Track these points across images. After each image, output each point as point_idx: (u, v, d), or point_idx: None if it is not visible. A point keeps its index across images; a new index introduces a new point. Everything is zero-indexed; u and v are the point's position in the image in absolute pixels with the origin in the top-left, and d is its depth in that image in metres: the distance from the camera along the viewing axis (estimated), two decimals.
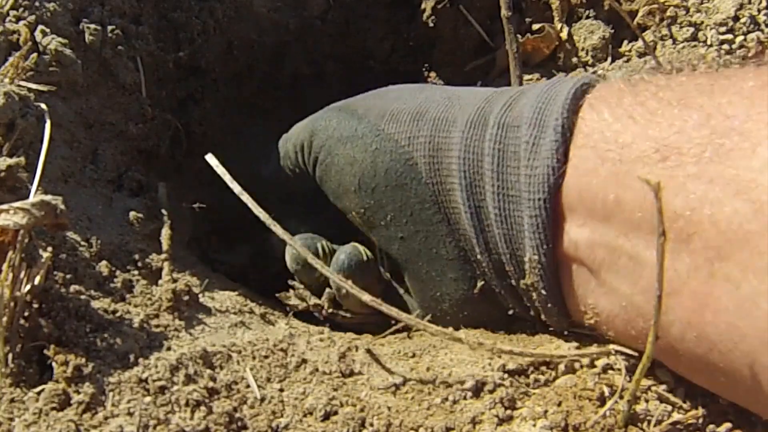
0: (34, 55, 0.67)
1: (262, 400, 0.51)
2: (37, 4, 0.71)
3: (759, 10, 0.81)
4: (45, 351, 0.49)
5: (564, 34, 0.88)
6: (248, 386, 0.52)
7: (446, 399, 0.53)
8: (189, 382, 0.51)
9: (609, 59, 0.86)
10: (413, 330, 0.65)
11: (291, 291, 0.74)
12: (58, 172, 0.65)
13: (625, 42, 0.87)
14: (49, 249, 0.55)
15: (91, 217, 0.64)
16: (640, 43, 0.84)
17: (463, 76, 0.95)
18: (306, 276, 0.73)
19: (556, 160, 0.52)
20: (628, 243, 0.49)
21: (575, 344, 0.57)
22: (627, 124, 0.50)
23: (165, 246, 0.65)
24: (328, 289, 0.72)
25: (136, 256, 0.63)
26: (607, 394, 0.53)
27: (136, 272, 0.61)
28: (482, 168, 0.57)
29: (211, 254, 0.86)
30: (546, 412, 0.51)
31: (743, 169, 0.43)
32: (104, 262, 0.59)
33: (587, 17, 0.89)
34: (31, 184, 0.58)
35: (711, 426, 0.51)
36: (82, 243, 0.60)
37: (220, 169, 0.64)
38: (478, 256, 0.59)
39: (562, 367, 0.55)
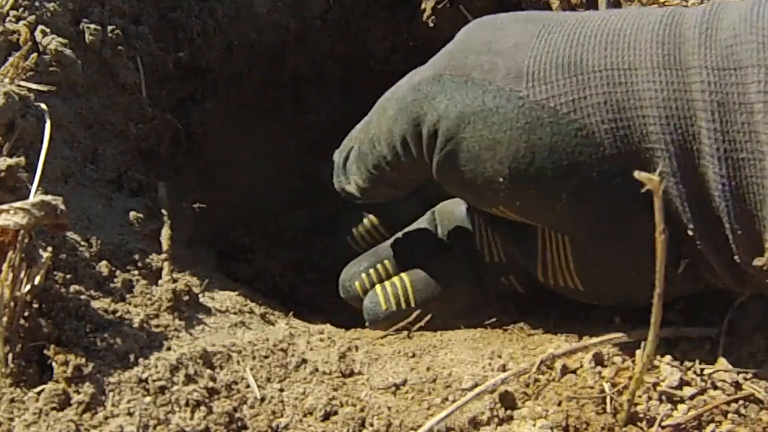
0: (34, 55, 0.67)
1: (262, 400, 0.51)
2: (37, 4, 0.71)
3: None
4: (45, 351, 0.49)
5: None
6: (248, 386, 0.52)
7: (446, 399, 0.53)
8: (189, 382, 0.51)
9: None
10: (413, 330, 0.65)
11: None
12: (58, 172, 0.65)
13: None
14: (49, 249, 0.55)
15: (91, 217, 0.64)
16: None
17: None
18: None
19: None
20: None
21: (576, 344, 0.57)
22: None
23: (165, 246, 0.65)
24: None
25: (136, 256, 0.63)
26: (607, 393, 0.52)
27: (136, 272, 0.61)
28: (694, 126, 0.47)
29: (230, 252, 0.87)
30: (546, 412, 0.51)
31: None
32: (104, 262, 0.59)
33: None
34: (31, 184, 0.58)
35: (711, 426, 0.51)
36: (82, 243, 0.60)
37: None
38: (690, 232, 0.50)
39: (561, 367, 0.55)
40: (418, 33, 0.96)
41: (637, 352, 0.54)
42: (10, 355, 0.48)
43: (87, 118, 0.72)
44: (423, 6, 0.95)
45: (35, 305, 0.51)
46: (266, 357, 0.55)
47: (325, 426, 0.50)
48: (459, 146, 0.54)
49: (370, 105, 0.64)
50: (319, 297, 0.89)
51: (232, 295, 0.67)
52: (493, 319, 0.64)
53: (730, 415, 0.52)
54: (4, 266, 0.49)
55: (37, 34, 0.69)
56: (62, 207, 0.51)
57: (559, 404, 0.52)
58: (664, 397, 0.53)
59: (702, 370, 0.55)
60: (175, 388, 0.50)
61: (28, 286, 0.51)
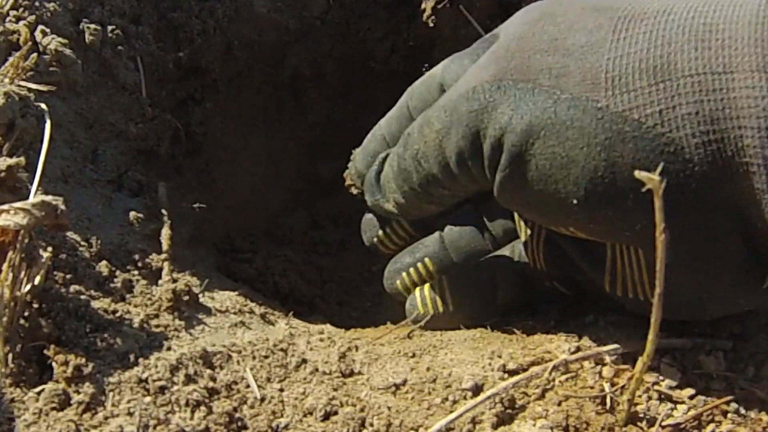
0: (34, 55, 0.67)
1: (262, 400, 0.51)
2: (37, 4, 0.71)
3: None
4: (45, 351, 0.49)
5: None
6: (248, 386, 0.52)
7: (446, 399, 0.53)
8: (189, 382, 0.51)
9: None
10: (413, 330, 0.65)
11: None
12: (58, 172, 0.65)
13: None
14: (49, 249, 0.55)
15: (91, 217, 0.64)
16: None
17: None
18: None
19: None
20: None
21: (576, 344, 0.57)
22: None
23: (165, 246, 0.65)
24: None
25: (136, 256, 0.63)
26: (607, 393, 0.52)
27: (136, 272, 0.61)
28: None
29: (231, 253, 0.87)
30: (546, 412, 0.51)
31: None
32: (104, 262, 0.59)
33: None
34: (31, 184, 0.58)
35: (711, 426, 0.51)
36: (82, 243, 0.60)
37: None
38: None
39: (562, 366, 0.55)
40: (418, 33, 0.96)
41: (637, 352, 0.54)
42: (10, 355, 0.48)
43: (87, 118, 0.72)
44: (423, 6, 0.95)
45: (35, 305, 0.51)
46: (266, 357, 0.55)
47: (325, 426, 0.50)
48: (527, 164, 0.48)
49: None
50: (319, 297, 0.89)
51: (232, 295, 0.67)
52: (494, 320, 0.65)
53: (730, 415, 0.52)
54: (4, 266, 0.49)
55: (37, 34, 0.69)
56: (62, 207, 0.51)
57: (559, 404, 0.52)
58: (664, 397, 0.53)
59: (702, 370, 0.55)
60: (175, 388, 0.50)
61: (28, 286, 0.51)
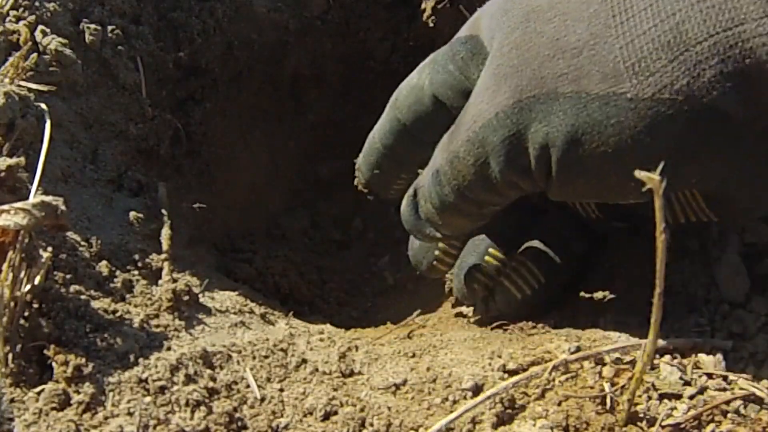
0: (34, 55, 0.67)
1: (262, 400, 0.51)
2: (37, 4, 0.71)
3: None
4: (45, 351, 0.49)
5: None
6: (248, 386, 0.52)
7: (446, 399, 0.53)
8: (189, 382, 0.51)
9: None
10: (413, 330, 0.65)
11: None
12: (58, 172, 0.65)
13: None
14: (49, 249, 0.55)
15: (91, 217, 0.64)
16: None
17: None
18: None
19: None
20: None
21: (576, 344, 0.57)
22: None
23: (165, 246, 0.65)
24: None
25: (136, 256, 0.63)
26: (607, 393, 0.52)
27: (136, 272, 0.61)
28: None
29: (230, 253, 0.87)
30: (546, 412, 0.51)
31: None
32: (104, 262, 0.59)
33: None
34: (31, 184, 0.58)
35: (711, 426, 0.51)
36: (82, 243, 0.60)
37: None
38: None
39: (562, 366, 0.55)
40: (418, 33, 0.96)
41: (637, 352, 0.54)
42: (10, 355, 0.48)
43: (87, 118, 0.72)
44: (423, 6, 0.95)
45: (35, 305, 0.51)
46: (266, 357, 0.55)
47: (325, 426, 0.50)
48: (579, 167, 0.49)
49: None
50: (319, 297, 0.89)
51: (232, 295, 0.67)
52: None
53: (730, 415, 0.52)
54: (4, 266, 0.49)
55: (37, 34, 0.69)
56: (63, 207, 0.51)
57: (559, 404, 0.52)
58: (664, 397, 0.53)
59: (702, 370, 0.55)
60: (175, 388, 0.50)
61: (28, 286, 0.51)
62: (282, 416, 0.51)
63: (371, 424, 0.50)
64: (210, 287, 0.66)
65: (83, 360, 0.49)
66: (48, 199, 0.51)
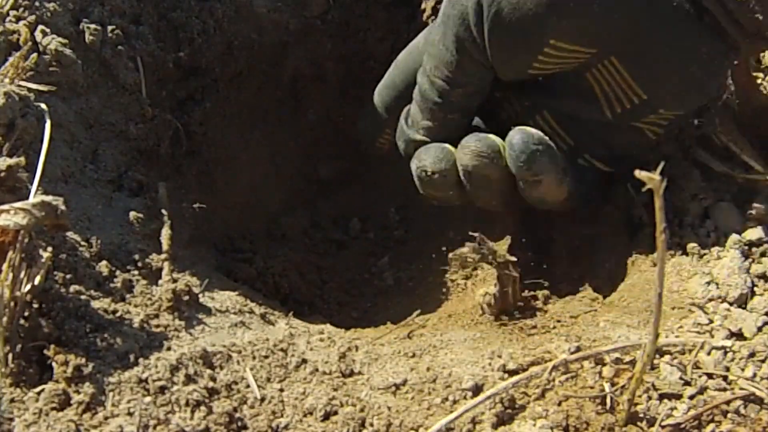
0: (34, 55, 0.67)
1: (262, 400, 0.51)
2: (37, 4, 0.71)
3: None
4: (45, 351, 0.49)
5: None
6: (248, 386, 0.52)
7: (446, 399, 0.53)
8: (189, 382, 0.51)
9: None
10: (413, 330, 0.65)
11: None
12: (58, 172, 0.65)
13: None
14: (49, 249, 0.55)
15: (91, 217, 0.64)
16: None
17: None
18: (438, 186, 0.71)
19: None
20: None
21: (576, 344, 0.57)
22: None
23: (165, 246, 0.65)
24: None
25: (136, 256, 0.63)
26: (607, 393, 0.53)
27: (136, 272, 0.61)
28: None
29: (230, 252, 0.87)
30: (546, 412, 0.51)
31: None
32: (104, 262, 0.59)
33: None
34: (31, 184, 0.58)
35: (711, 426, 0.51)
36: (82, 243, 0.60)
37: None
38: None
39: (562, 366, 0.55)
40: (418, 33, 0.96)
41: (637, 352, 0.54)
42: (10, 355, 0.48)
43: (87, 118, 0.72)
44: (423, 6, 0.95)
45: (35, 305, 0.51)
46: (266, 357, 0.55)
47: (325, 426, 0.50)
48: (503, 12, 0.61)
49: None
50: (319, 297, 0.89)
51: (232, 295, 0.67)
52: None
53: (730, 415, 0.52)
54: (4, 266, 0.49)
55: (37, 34, 0.69)
56: (62, 207, 0.51)
57: (559, 404, 0.52)
58: (664, 397, 0.53)
59: (702, 370, 0.55)
60: (175, 388, 0.50)
61: (28, 286, 0.51)
62: (282, 416, 0.51)
63: (371, 424, 0.50)
64: (210, 287, 0.66)
65: (83, 360, 0.49)
66: (48, 198, 0.51)
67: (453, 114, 0.71)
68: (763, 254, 0.62)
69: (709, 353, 0.56)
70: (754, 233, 0.63)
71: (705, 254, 0.64)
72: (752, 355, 0.56)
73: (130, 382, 0.49)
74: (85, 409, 0.47)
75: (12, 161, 0.57)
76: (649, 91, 0.64)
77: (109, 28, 0.75)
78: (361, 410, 0.51)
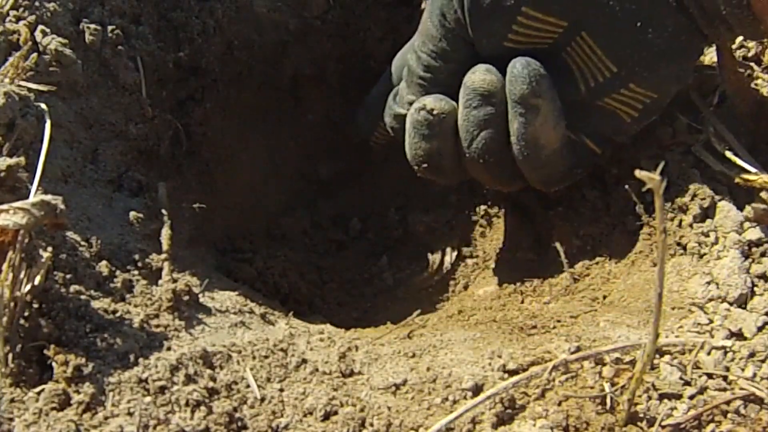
0: (34, 55, 0.67)
1: (262, 400, 0.51)
2: (37, 4, 0.71)
3: None
4: (45, 351, 0.49)
5: None
6: (248, 386, 0.52)
7: (446, 399, 0.53)
8: (189, 382, 0.51)
9: None
10: (413, 330, 0.65)
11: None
12: (58, 172, 0.65)
13: None
14: (49, 249, 0.55)
15: (91, 217, 0.64)
16: None
17: None
18: (436, 135, 0.73)
19: None
20: None
21: (576, 344, 0.57)
22: None
23: (165, 246, 0.65)
24: None
25: (136, 256, 0.63)
26: (607, 393, 0.53)
27: (136, 272, 0.61)
28: None
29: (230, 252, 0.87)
30: (546, 412, 0.51)
31: None
32: (104, 262, 0.59)
33: None
34: (31, 184, 0.58)
35: (711, 426, 0.51)
36: (82, 243, 0.60)
37: None
38: None
39: (562, 366, 0.55)
40: None
41: (637, 352, 0.54)
42: (10, 355, 0.48)
43: (87, 118, 0.72)
44: (423, 6, 0.95)
45: (35, 305, 0.51)
46: (266, 357, 0.55)
47: (325, 426, 0.50)
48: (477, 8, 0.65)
49: None
50: (319, 297, 0.89)
51: (232, 295, 0.67)
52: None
53: (730, 415, 0.52)
54: (4, 266, 0.49)
55: (37, 34, 0.69)
56: (62, 207, 0.51)
57: (559, 404, 0.52)
58: (664, 397, 0.53)
59: (702, 370, 0.55)
60: (175, 388, 0.50)
61: (28, 286, 0.51)
62: (282, 416, 0.51)
63: (371, 424, 0.50)
64: (210, 287, 0.66)
65: (83, 360, 0.49)
66: (47, 198, 0.51)
67: (437, 89, 0.73)
68: (763, 254, 0.62)
69: (709, 353, 0.56)
70: (754, 233, 0.63)
71: (705, 254, 0.64)
72: (752, 355, 0.56)
73: (130, 382, 0.49)
74: (85, 409, 0.47)
75: (12, 161, 0.57)
76: (618, 62, 0.66)
77: (109, 28, 0.75)
78: (361, 410, 0.51)
